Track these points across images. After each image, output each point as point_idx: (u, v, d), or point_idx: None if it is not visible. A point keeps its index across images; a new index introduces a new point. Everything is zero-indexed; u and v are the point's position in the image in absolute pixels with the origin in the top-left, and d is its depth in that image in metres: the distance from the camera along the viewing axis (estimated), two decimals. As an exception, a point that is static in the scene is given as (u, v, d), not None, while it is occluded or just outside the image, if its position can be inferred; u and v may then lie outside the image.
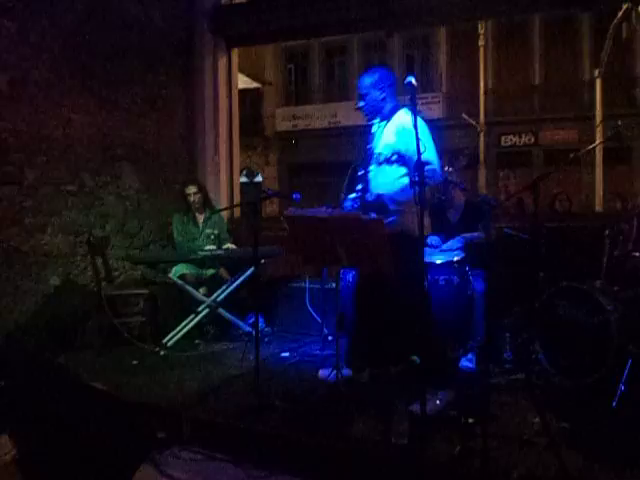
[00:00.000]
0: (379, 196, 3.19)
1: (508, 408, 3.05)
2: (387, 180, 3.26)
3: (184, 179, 5.39)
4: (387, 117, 3.30)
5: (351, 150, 14.65)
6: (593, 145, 3.85)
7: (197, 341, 4.60)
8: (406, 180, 3.17)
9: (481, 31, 15.30)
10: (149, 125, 5.52)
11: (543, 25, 16.65)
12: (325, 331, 4.46)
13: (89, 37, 4.91)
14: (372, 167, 3.32)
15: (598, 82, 13.07)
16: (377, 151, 3.30)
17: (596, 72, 13.12)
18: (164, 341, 4.40)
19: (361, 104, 3.30)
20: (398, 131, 3.20)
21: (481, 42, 15.43)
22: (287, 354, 4.27)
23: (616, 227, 3.46)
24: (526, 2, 5.56)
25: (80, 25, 4.84)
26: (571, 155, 3.42)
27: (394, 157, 3.23)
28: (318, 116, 17.65)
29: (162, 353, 4.30)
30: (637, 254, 3.30)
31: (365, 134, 5.42)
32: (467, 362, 3.78)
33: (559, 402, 3.13)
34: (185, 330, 4.50)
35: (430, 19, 6.06)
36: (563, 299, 3.35)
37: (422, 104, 17.17)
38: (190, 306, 4.60)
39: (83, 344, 4.47)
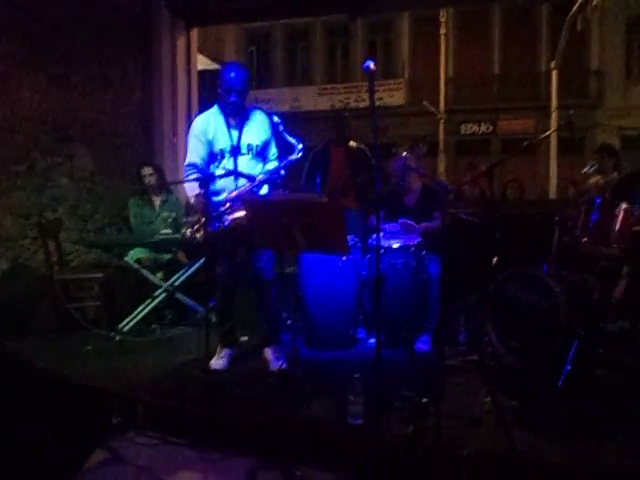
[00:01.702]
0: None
1: (461, 388, 3.15)
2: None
3: (140, 160, 5.26)
4: (248, 115, 3.41)
5: (312, 134, 14.63)
6: (545, 134, 3.99)
7: (154, 326, 4.53)
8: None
9: (443, 19, 15.41)
10: (104, 104, 5.36)
11: (502, 16, 16.90)
12: (283, 315, 4.46)
13: (36, 8, 4.68)
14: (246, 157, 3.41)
15: (554, 73, 13.37)
16: (254, 143, 3.40)
17: (552, 63, 13.42)
18: (120, 326, 4.32)
19: (235, 99, 3.29)
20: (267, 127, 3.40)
21: (442, 30, 15.56)
22: (245, 337, 4.25)
23: (565, 213, 3.58)
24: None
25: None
26: (524, 143, 3.50)
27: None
28: (280, 100, 17.48)
29: (117, 338, 4.23)
30: (585, 239, 3.41)
31: (324, 119, 5.37)
32: (423, 344, 3.86)
33: (510, 382, 3.23)
34: (141, 315, 4.42)
35: (393, 4, 6.07)
36: (515, 283, 3.44)
37: (384, 90, 17.27)
38: (147, 290, 4.52)
39: (35, 330, 4.35)
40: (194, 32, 6.38)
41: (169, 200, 4.98)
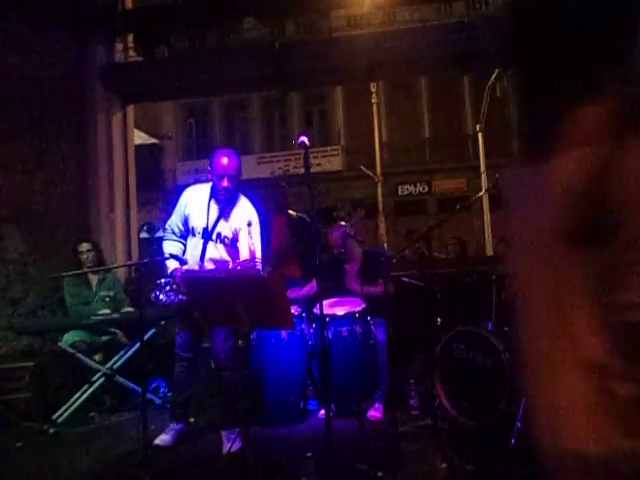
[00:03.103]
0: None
1: (416, 456, 3.08)
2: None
3: (77, 238, 5.09)
4: (235, 202, 3.43)
5: (254, 202, 14.72)
6: (475, 197, 4.22)
7: (92, 414, 4.25)
8: None
9: (373, 90, 16.25)
10: (37, 183, 5.22)
11: (429, 85, 18.07)
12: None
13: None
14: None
15: (480, 135, 14.25)
16: (224, 234, 3.39)
17: (477, 126, 14.33)
18: (53, 417, 4.02)
19: (227, 185, 3.31)
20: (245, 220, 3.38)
21: (374, 100, 16.37)
22: (192, 419, 4.05)
23: (501, 271, 3.70)
24: (411, 67, 6.02)
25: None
26: (457, 206, 3.66)
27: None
28: (220, 170, 17.65)
29: (51, 431, 3.91)
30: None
31: (265, 187, 5.44)
32: (374, 411, 3.79)
33: (464, 445, 3.21)
34: (78, 403, 4.14)
35: (323, 80, 6.36)
36: (460, 343, 3.49)
37: (322, 157, 17.82)
38: (84, 376, 4.26)
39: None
40: (130, 108, 6.43)
41: (107, 278, 4.81)
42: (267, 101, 18.83)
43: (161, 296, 3.32)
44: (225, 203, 3.37)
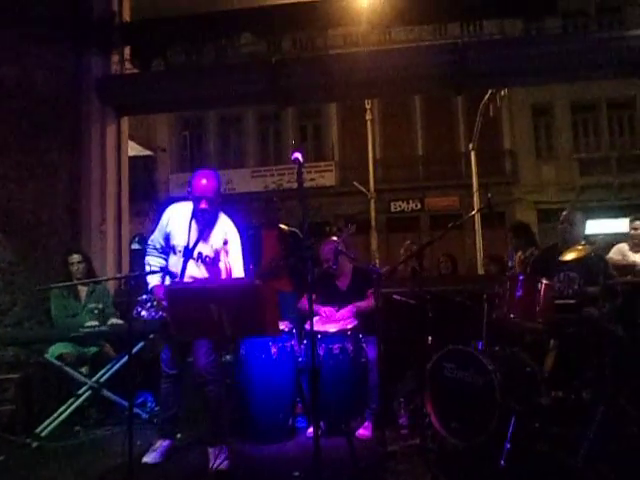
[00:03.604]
0: None
1: (405, 476, 3.05)
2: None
3: (67, 248, 5.05)
4: (215, 222, 3.42)
5: (246, 217, 14.73)
6: (468, 216, 4.25)
7: (77, 428, 4.16)
8: None
9: (368, 106, 16.38)
10: (28, 193, 5.19)
11: (423, 103, 18.24)
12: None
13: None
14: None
15: (473, 154, 14.39)
16: (205, 253, 3.38)
17: (470, 145, 14.47)
18: (37, 431, 3.95)
19: (205, 207, 3.30)
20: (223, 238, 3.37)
21: (369, 116, 16.48)
22: (179, 435, 3.99)
23: (492, 290, 3.70)
24: (405, 86, 6.08)
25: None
26: (449, 225, 3.68)
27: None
28: (214, 183, 17.64)
29: (34, 445, 3.83)
30: (512, 316, 3.52)
31: (258, 201, 5.42)
32: (364, 430, 3.76)
33: (453, 465, 3.19)
34: (63, 416, 4.07)
35: (318, 96, 6.40)
36: (450, 362, 3.47)
37: (316, 172, 17.89)
38: (70, 389, 4.20)
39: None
40: (125, 120, 6.44)
41: (96, 290, 4.77)
42: (262, 115, 18.91)
43: (143, 312, 3.32)
44: (204, 225, 3.38)
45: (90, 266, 4.84)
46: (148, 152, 15.06)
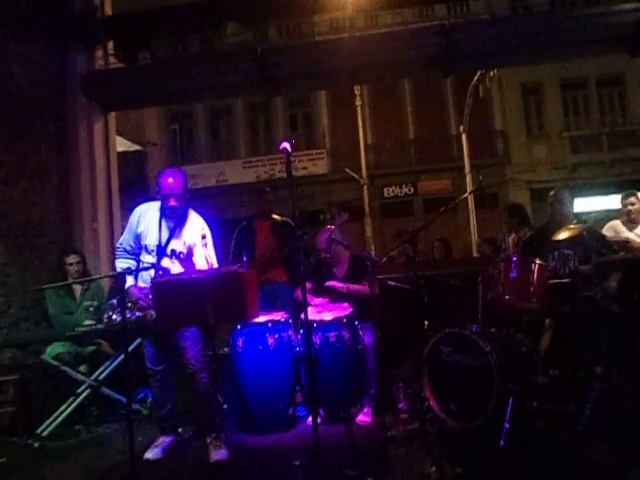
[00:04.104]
0: None
1: (405, 460, 3.08)
2: None
3: (62, 248, 5.03)
4: (185, 219, 3.43)
5: (239, 208, 14.69)
6: (460, 198, 4.26)
7: (77, 426, 4.17)
8: None
9: (357, 92, 16.29)
10: (17, 194, 5.14)
11: (412, 86, 18.14)
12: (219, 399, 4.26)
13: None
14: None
15: (464, 136, 14.37)
16: (179, 250, 3.39)
17: (461, 127, 14.45)
18: (38, 431, 3.96)
19: (174, 204, 3.31)
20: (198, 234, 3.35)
21: (358, 102, 16.40)
22: (180, 429, 4.01)
23: (487, 272, 3.71)
24: (393, 70, 6.05)
25: None
26: (441, 209, 3.67)
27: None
28: (205, 175, 17.54)
29: (36, 445, 3.85)
30: (507, 297, 3.54)
31: (250, 192, 5.38)
32: (364, 416, 3.78)
33: (453, 447, 3.21)
34: (63, 415, 4.08)
35: (307, 84, 6.36)
36: (447, 345, 3.48)
37: (308, 160, 17.82)
38: (69, 388, 4.20)
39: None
40: (112, 115, 6.38)
41: (91, 288, 4.76)
42: (251, 105, 18.78)
43: (114, 316, 3.33)
44: (175, 222, 3.39)
45: (85, 266, 4.83)
46: (137, 147, 14.97)
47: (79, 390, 4.17)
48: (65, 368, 4.17)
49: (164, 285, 2.80)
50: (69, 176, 5.66)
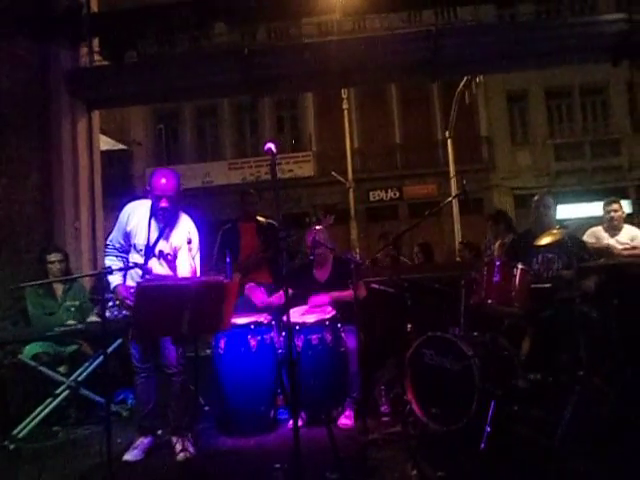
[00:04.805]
0: None
1: (387, 463, 3.07)
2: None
3: (44, 246, 4.94)
4: (176, 221, 3.41)
5: (225, 209, 14.62)
6: (444, 203, 4.30)
7: (55, 428, 4.09)
8: None
9: (344, 96, 16.33)
10: (-4, 190, 5.06)
11: (399, 91, 18.24)
12: (201, 401, 4.23)
13: None
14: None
15: (449, 141, 14.47)
16: (167, 252, 3.37)
17: (447, 133, 14.55)
18: (14, 432, 3.88)
19: (166, 205, 3.29)
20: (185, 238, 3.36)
21: (345, 105, 16.43)
22: (160, 431, 3.96)
23: (470, 276, 3.73)
24: (380, 74, 6.07)
25: None
26: (426, 213, 3.69)
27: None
28: (190, 175, 17.41)
29: (11, 447, 3.76)
30: (489, 301, 3.55)
31: (236, 193, 5.35)
32: (345, 419, 3.77)
33: (434, 450, 3.21)
34: (40, 417, 4.00)
35: (293, 86, 6.35)
36: (430, 349, 3.49)
37: (294, 162, 17.81)
38: (47, 389, 4.12)
39: None
40: (96, 114, 6.31)
41: (73, 288, 4.69)
42: (238, 106, 18.71)
43: (107, 313, 3.30)
44: (165, 223, 3.37)
45: (68, 264, 4.76)
46: (122, 146, 14.84)
47: (57, 391, 4.10)
48: (43, 368, 4.10)
49: (149, 290, 2.75)
50: (51, 174, 5.58)
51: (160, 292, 2.72)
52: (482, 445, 3.07)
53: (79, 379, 4.18)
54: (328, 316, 3.81)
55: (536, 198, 4.25)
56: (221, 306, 2.67)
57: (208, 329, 3.10)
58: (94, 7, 6.46)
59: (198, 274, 3.37)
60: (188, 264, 3.31)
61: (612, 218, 4.84)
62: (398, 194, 18.20)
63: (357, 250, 14.08)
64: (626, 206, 14.68)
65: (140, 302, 2.72)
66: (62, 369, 4.33)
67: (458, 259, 6.80)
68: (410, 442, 3.25)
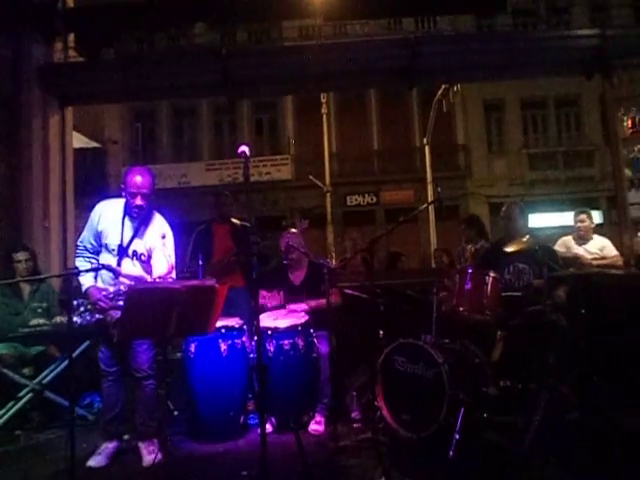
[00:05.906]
0: None
1: (356, 470, 3.06)
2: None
3: (10, 245, 4.81)
4: (150, 219, 3.37)
5: (201, 210, 14.48)
6: (419, 209, 4.33)
7: (17, 432, 3.98)
8: None
9: (324, 100, 16.35)
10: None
11: (378, 97, 18.36)
12: (170, 406, 4.16)
13: None
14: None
15: (427, 148, 14.59)
16: (140, 252, 3.32)
17: (424, 140, 14.68)
18: (-26, 436, 3.76)
19: (141, 203, 3.25)
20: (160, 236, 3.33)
21: (324, 110, 16.46)
22: (127, 437, 3.88)
23: (442, 283, 3.75)
24: (359, 80, 6.08)
25: None
26: (400, 219, 3.69)
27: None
28: (167, 175, 17.22)
29: (-29, 451, 3.65)
30: (460, 308, 3.57)
31: (210, 195, 5.28)
32: (316, 425, 3.74)
33: (404, 457, 3.21)
34: (2, 420, 3.89)
35: (271, 89, 6.32)
36: (401, 355, 3.49)
37: (272, 165, 17.76)
38: (10, 392, 4.01)
39: None
40: (69, 110, 6.18)
41: (40, 289, 4.57)
42: (216, 107, 18.58)
43: (75, 318, 3.22)
44: (139, 221, 3.31)
45: (35, 264, 4.63)
46: (96, 144, 14.60)
47: (20, 394, 3.98)
48: (5, 370, 3.98)
49: (140, 294, 2.68)
50: (20, 170, 5.44)
51: (149, 296, 2.65)
52: (450, 453, 3.07)
53: (44, 382, 4.07)
54: (301, 321, 3.78)
55: (504, 208, 4.31)
56: (210, 310, 2.64)
57: (194, 331, 3.06)
58: (70, 2, 6.33)
59: (174, 273, 3.31)
60: (165, 261, 3.26)
61: (579, 228, 4.97)
62: (375, 199, 18.29)
63: (333, 254, 14.07)
64: (597, 216, 15.01)
65: (131, 304, 2.65)
66: (27, 371, 4.21)
67: (434, 265, 6.82)
68: (380, 449, 3.24)
